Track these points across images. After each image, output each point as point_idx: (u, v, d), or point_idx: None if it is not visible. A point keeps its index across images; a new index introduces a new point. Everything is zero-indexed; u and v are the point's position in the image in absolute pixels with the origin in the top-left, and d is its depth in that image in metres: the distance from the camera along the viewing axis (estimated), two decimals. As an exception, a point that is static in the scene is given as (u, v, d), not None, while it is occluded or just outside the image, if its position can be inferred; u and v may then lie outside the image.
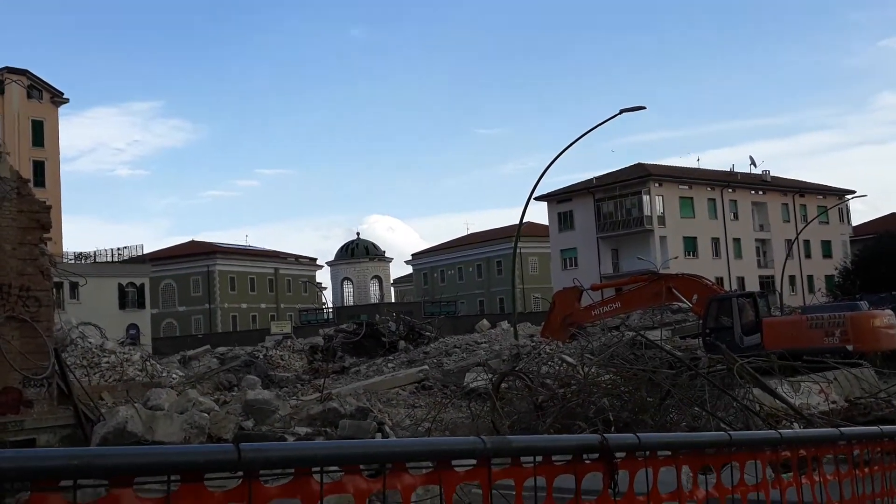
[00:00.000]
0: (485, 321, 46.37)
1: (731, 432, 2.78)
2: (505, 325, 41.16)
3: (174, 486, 1.57)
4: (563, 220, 73.64)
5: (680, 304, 29.23)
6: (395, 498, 1.92)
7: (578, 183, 74.91)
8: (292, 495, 1.76)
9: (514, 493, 2.24)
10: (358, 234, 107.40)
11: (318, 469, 1.74)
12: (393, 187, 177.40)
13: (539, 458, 2.17)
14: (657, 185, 68.77)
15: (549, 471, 2.24)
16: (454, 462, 1.99)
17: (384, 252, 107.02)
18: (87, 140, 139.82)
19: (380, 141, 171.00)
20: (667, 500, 2.63)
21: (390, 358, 30.95)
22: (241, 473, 1.62)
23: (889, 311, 25.47)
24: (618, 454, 2.29)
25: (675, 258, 63.82)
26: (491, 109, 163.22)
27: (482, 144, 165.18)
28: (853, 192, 79.39)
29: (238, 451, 1.59)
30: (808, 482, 3.45)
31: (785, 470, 3.42)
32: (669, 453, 2.62)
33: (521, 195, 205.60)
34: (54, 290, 15.24)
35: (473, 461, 2.00)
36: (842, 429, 3.77)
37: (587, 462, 2.30)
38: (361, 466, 1.83)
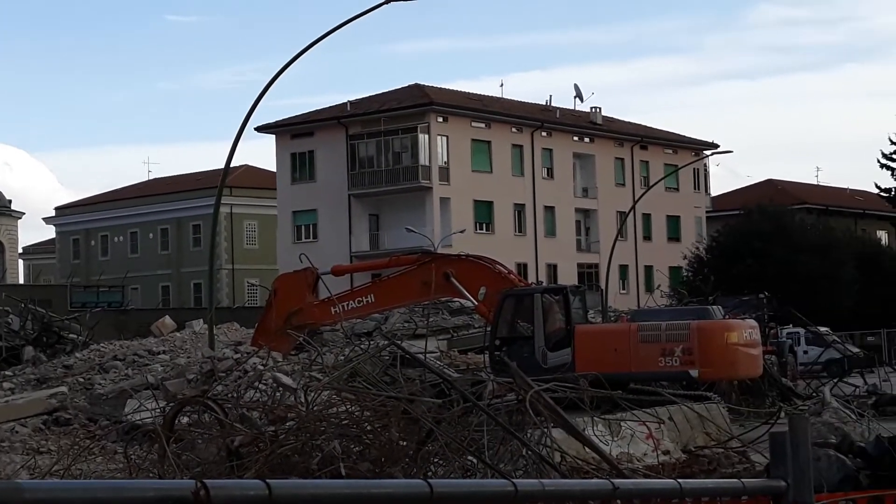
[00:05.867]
0: (167, 319, 45.66)
1: (430, 481, 2.73)
2: (199, 325, 40.77)
3: None
4: (300, 166, 73.82)
5: (461, 300, 29.99)
6: None
7: (325, 109, 75.13)
8: None
9: None
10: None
11: None
12: (10, 97, 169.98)
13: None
14: (441, 119, 70.36)
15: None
16: None
17: (10, 202, 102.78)
18: None
19: None
20: None
21: (8, 373, 30.55)
22: None
23: (752, 322, 27.39)
24: None
25: (462, 232, 65.43)
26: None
27: (173, 39, 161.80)
28: (715, 146, 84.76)
29: None
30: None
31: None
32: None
33: (232, 123, 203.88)
34: None
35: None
36: (681, 481, 3.82)
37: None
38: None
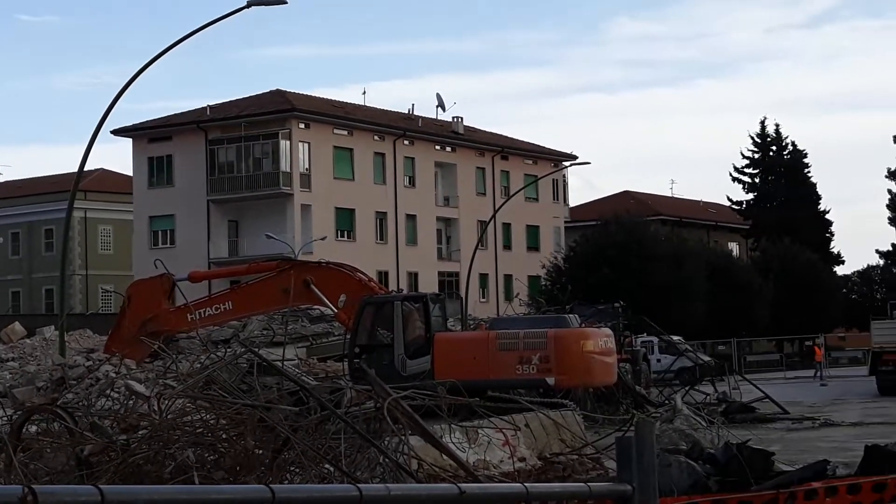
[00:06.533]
0: (17, 325, 44.92)
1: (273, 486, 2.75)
2: (50, 332, 40.12)
3: None
4: (157, 170, 73.10)
5: (321, 307, 29.92)
6: None
7: (184, 113, 74.36)
8: None
9: None
10: None
11: None
12: None
13: None
14: (302, 125, 70.15)
15: None
16: None
17: None
18: None
19: None
20: None
21: None
22: None
23: (607, 330, 27.86)
24: None
25: (324, 239, 65.44)
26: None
27: (25, 39, 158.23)
28: (574, 157, 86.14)
29: None
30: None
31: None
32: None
33: (87, 125, 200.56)
34: None
35: None
36: (528, 485, 3.86)
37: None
38: None
